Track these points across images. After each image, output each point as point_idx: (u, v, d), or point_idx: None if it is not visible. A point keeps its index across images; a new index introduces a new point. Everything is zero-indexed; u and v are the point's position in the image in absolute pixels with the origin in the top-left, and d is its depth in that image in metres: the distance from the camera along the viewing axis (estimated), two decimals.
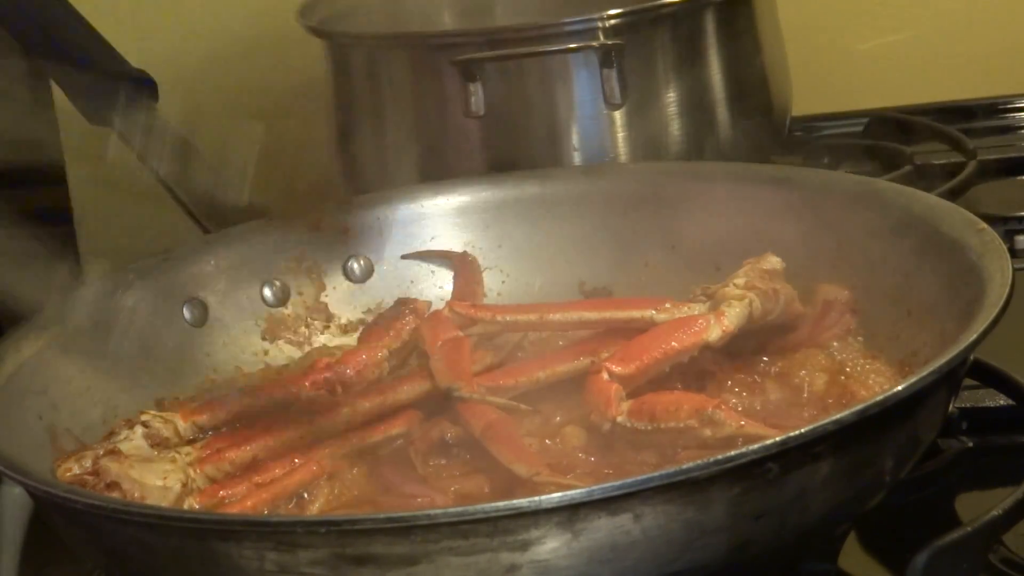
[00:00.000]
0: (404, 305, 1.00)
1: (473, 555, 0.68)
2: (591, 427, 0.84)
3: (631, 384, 0.85)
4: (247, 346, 1.03)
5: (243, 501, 0.84)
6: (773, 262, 0.92)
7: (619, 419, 0.82)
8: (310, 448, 0.87)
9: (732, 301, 0.88)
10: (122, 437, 0.87)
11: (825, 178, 1.03)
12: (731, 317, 0.87)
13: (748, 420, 0.80)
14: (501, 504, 0.68)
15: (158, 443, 0.87)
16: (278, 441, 0.87)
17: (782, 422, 0.82)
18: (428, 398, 0.90)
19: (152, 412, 0.90)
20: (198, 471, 0.85)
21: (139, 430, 0.87)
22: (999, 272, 0.83)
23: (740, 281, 0.89)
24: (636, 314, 0.90)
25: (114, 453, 0.85)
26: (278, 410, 0.89)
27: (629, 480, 0.68)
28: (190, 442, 0.89)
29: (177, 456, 0.85)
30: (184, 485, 0.84)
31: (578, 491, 0.68)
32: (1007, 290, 0.80)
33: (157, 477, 0.83)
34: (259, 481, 0.84)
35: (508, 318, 0.94)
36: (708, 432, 0.79)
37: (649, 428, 0.82)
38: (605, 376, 0.85)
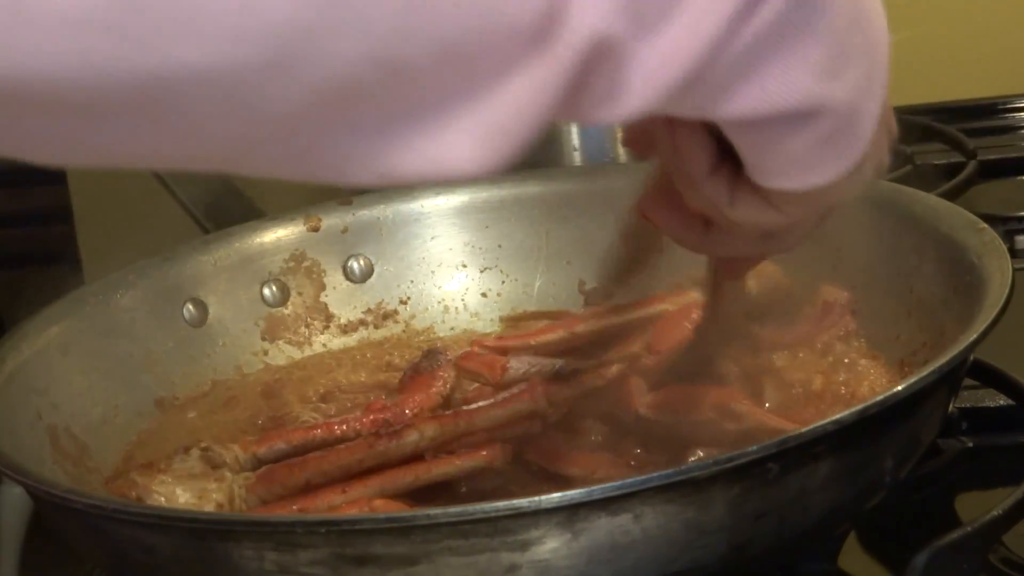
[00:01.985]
0: (436, 355, 0.95)
1: (473, 555, 0.68)
2: (610, 422, 0.84)
3: (650, 376, 0.85)
4: (247, 346, 1.03)
5: None
6: None
7: (642, 411, 0.83)
8: (367, 475, 0.81)
9: None
10: (176, 461, 0.84)
11: None
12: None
13: (769, 414, 0.80)
14: (501, 504, 0.68)
15: (217, 467, 0.84)
16: (333, 465, 0.82)
17: (798, 416, 0.83)
18: (517, 421, 0.84)
19: (212, 441, 0.86)
20: (249, 491, 0.82)
21: (195, 453, 0.84)
22: (999, 272, 0.83)
23: None
24: (653, 310, 0.90)
25: (148, 467, 0.82)
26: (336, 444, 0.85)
27: (629, 480, 0.68)
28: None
29: (228, 475, 0.82)
30: (221, 506, 0.80)
31: (578, 491, 0.68)
32: (1007, 290, 0.80)
33: (193, 494, 0.80)
34: (303, 507, 0.80)
35: (539, 340, 0.92)
36: (730, 425, 0.80)
37: (671, 421, 0.82)
38: (635, 386, 0.85)
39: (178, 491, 0.80)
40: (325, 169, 0.52)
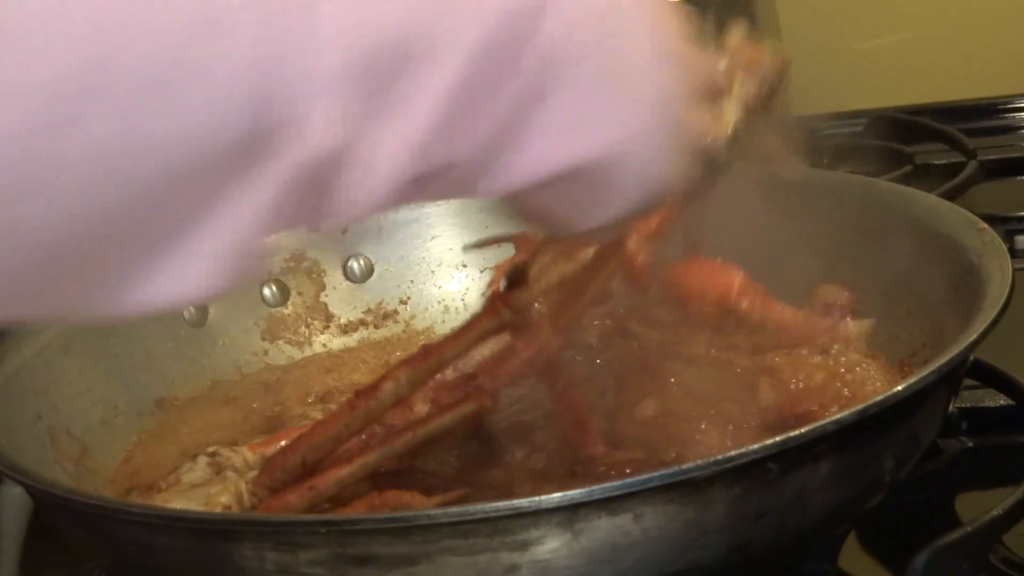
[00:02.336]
0: None
1: (473, 555, 0.68)
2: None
3: (657, 238, 0.83)
4: (247, 346, 1.03)
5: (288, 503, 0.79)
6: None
7: (644, 270, 0.81)
8: (363, 445, 0.81)
9: (722, 101, 0.82)
10: (184, 469, 0.83)
11: (825, 178, 1.03)
12: (729, 112, 0.81)
13: (773, 308, 0.79)
14: (501, 504, 0.68)
15: (223, 469, 0.84)
16: (323, 437, 0.81)
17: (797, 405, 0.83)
18: (486, 339, 0.83)
19: (219, 445, 0.86)
20: (257, 487, 0.81)
21: (203, 460, 0.84)
22: (999, 272, 0.83)
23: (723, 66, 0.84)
24: None
25: (151, 489, 0.82)
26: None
27: (629, 480, 0.68)
28: None
29: (231, 475, 0.82)
30: (228, 507, 0.80)
31: (578, 491, 0.68)
32: (1007, 290, 0.80)
33: (198, 503, 0.80)
34: (312, 485, 0.79)
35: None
36: (731, 322, 0.79)
37: (674, 300, 0.80)
38: (632, 242, 0.83)
39: (183, 505, 0.80)
40: (62, 314, 0.51)
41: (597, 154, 0.57)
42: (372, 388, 0.80)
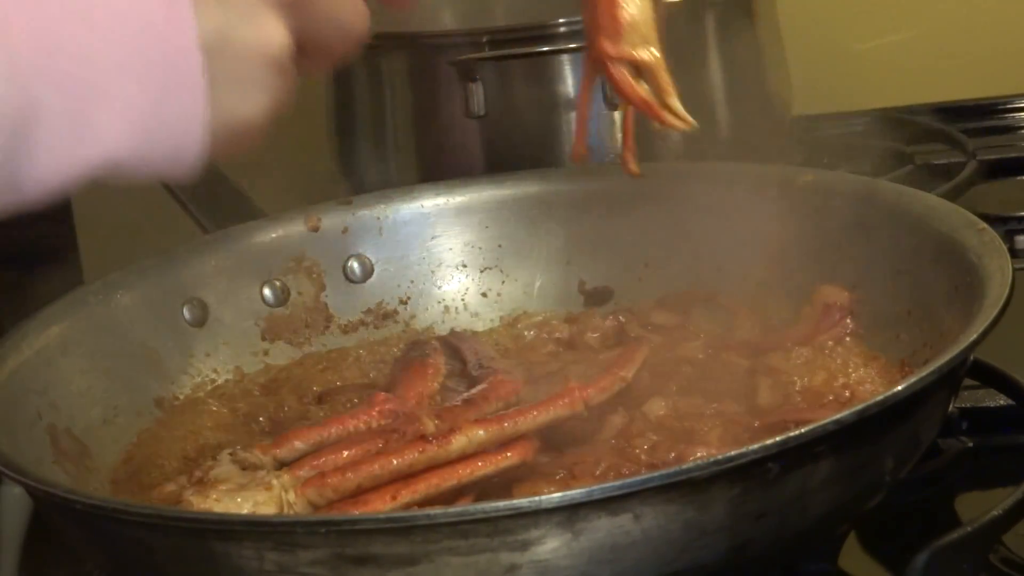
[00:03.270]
0: (423, 346, 0.96)
1: (473, 555, 0.68)
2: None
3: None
4: (247, 346, 1.03)
5: None
6: None
7: None
8: (414, 478, 0.81)
9: None
10: (208, 466, 0.82)
11: (825, 178, 1.03)
12: None
13: (623, 81, 0.87)
14: (501, 504, 0.68)
15: (248, 467, 0.82)
16: (385, 470, 0.80)
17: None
18: (557, 424, 0.84)
19: (233, 448, 0.85)
20: (298, 495, 0.79)
21: (226, 457, 0.83)
22: (999, 272, 0.83)
23: None
24: None
25: (200, 483, 0.81)
26: (355, 442, 0.83)
27: (629, 480, 0.68)
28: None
29: (274, 482, 0.80)
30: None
31: (578, 491, 0.68)
32: (1007, 290, 0.80)
33: (247, 508, 0.78)
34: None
35: None
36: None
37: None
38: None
39: (234, 509, 0.78)
40: None
41: (122, 144, 0.64)
42: (445, 436, 0.81)
